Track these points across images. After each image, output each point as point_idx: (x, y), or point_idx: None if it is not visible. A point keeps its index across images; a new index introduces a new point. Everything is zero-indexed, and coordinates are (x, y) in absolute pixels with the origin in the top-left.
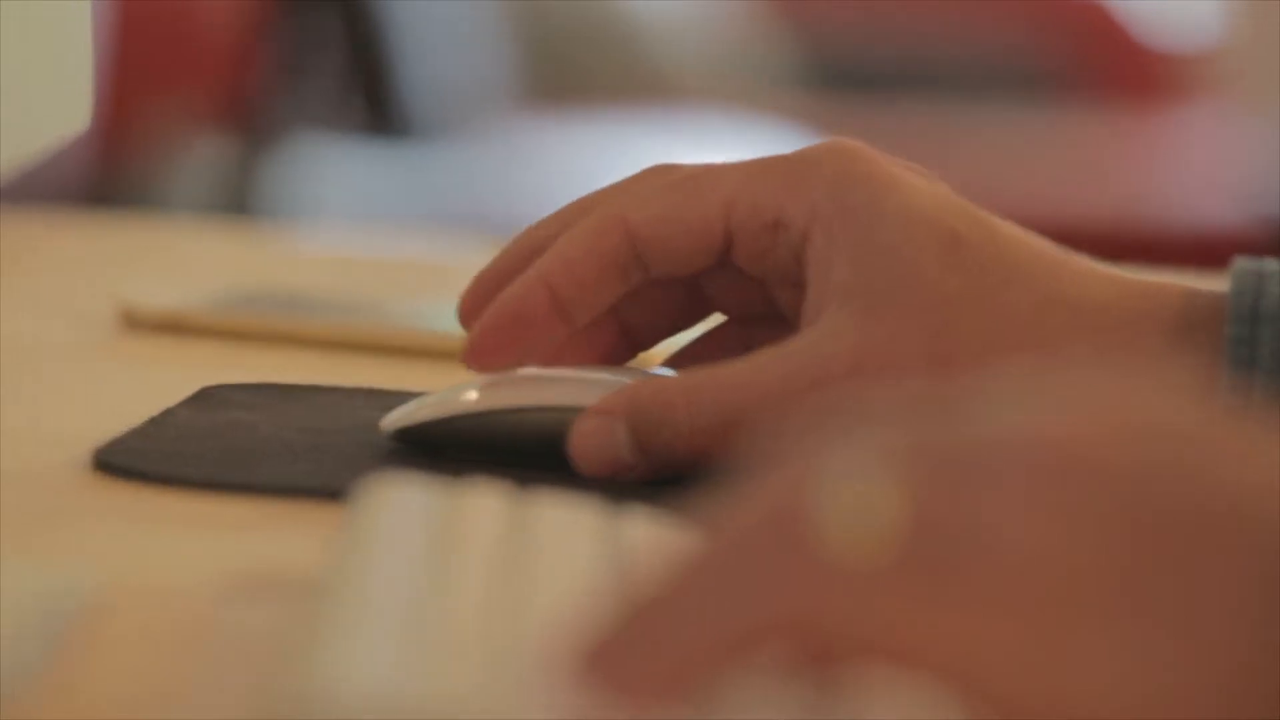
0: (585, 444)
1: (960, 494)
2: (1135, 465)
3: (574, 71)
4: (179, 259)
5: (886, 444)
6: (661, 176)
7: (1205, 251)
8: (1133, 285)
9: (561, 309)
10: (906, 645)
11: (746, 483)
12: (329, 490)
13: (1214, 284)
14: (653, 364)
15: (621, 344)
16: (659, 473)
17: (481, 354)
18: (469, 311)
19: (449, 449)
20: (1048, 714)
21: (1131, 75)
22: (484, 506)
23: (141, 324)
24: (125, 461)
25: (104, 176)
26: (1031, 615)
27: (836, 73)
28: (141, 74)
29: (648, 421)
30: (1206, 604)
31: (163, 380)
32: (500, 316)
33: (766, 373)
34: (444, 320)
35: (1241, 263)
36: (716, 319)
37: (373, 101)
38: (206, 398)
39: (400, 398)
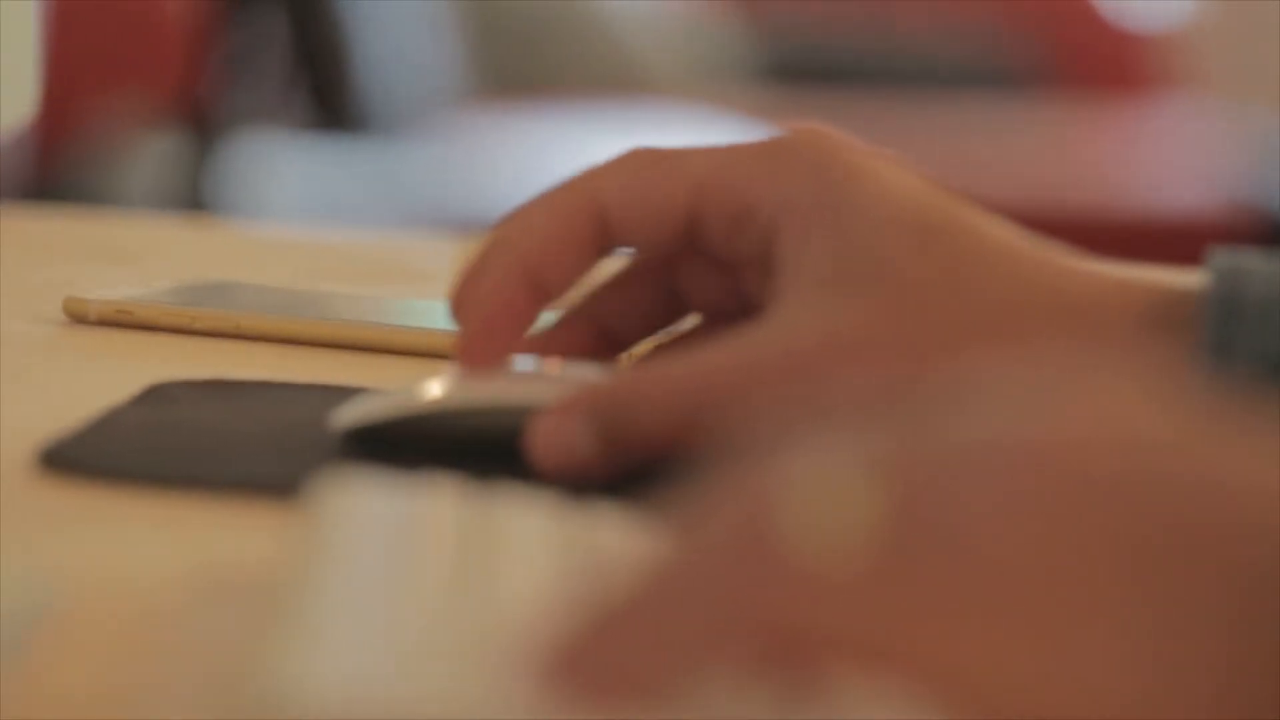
0: (544, 443)
1: (937, 499)
2: (1115, 473)
3: (531, 64)
4: (125, 251)
5: (861, 446)
6: (637, 156)
7: (1182, 239)
8: (1107, 278)
9: (539, 289)
10: (884, 651)
11: (715, 484)
12: (284, 487)
13: (1190, 276)
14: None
15: (599, 345)
16: (623, 470)
17: (474, 353)
18: (461, 303)
19: (405, 447)
20: (1026, 717)
21: (1105, 63)
22: (445, 503)
23: (88, 318)
24: (71, 460)
25: (46, 173)
26: (1006, 621)
27: (801, 66)
28: (87, 68)
29: (610, 417)
30: (1185, 609)
31: (109, 376)
32: (486, 311)
33: (732, 360)
34: (399, 315)
35: (1218, 256)
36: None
37: (325, 96)
38: (155, 394)
39: (353, 394)
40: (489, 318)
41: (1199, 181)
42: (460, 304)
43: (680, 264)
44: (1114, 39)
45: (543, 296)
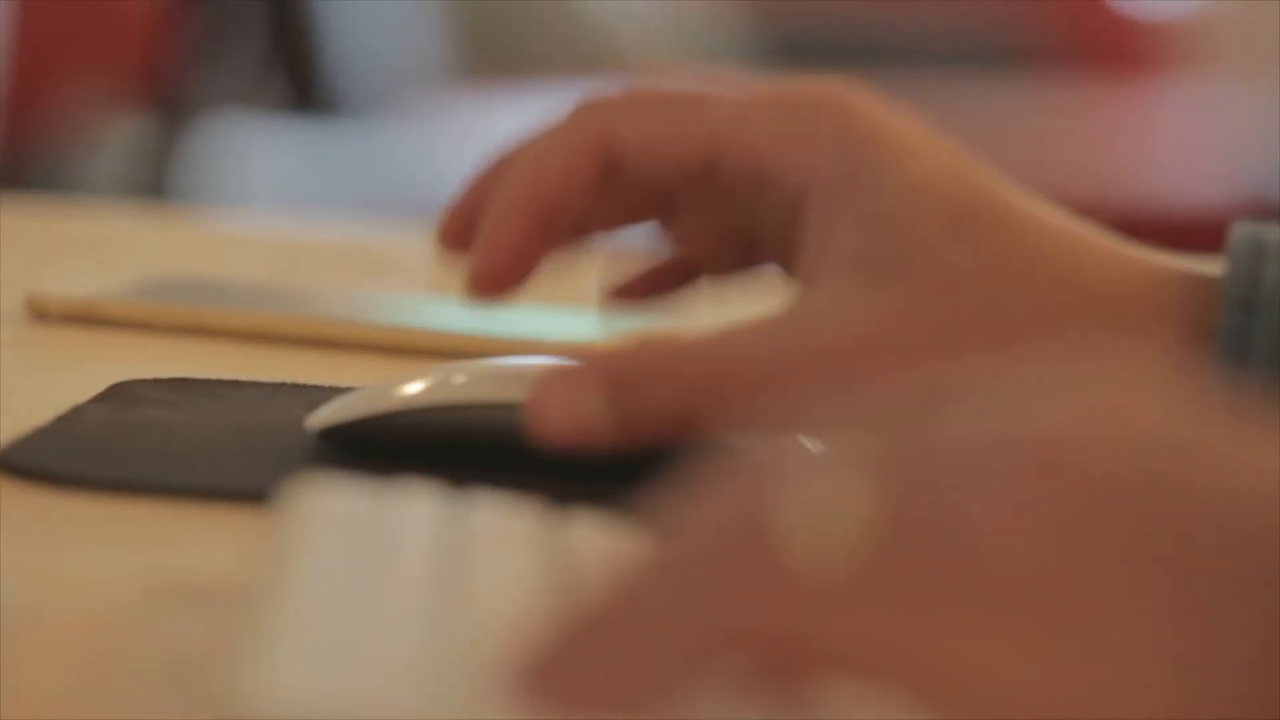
0: (552, 409)
1: (937, 498)
2: (1122, 473)
3: (510, 43)
4: (90, 245)
5: (860, 445)
6: (653, 97)
7: (1189, 228)
8: (1138, 265)
9: (551, 226)
10: (879, 658)
11: (707, 481)
12: (253, 493)
13: (1211, 261)
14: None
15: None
16: (629, 444)
17: (488, 283)
18: (453, 235)
19: (380, 449)
20: None
21: (1110, 45)
22: (419, 509)
23: (50, 315)
24: (32, 462)
25: (10, 158)
26: (1012, 625)
27: (794, 44)
28: (52, 51)
29: (625, 385)
30: (1192, 613)
31: (73, 375)
32: (499, 239)
33: (768, 342)
34: (374, 311)
35: (1240, 234)
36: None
37: (297, 77)
38: (119, 394)
39: (327, 393)
40: (503, 251)
41: (1207, 171)
42: (454, 229)
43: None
44: (1123, 22)
45: (555, 235)
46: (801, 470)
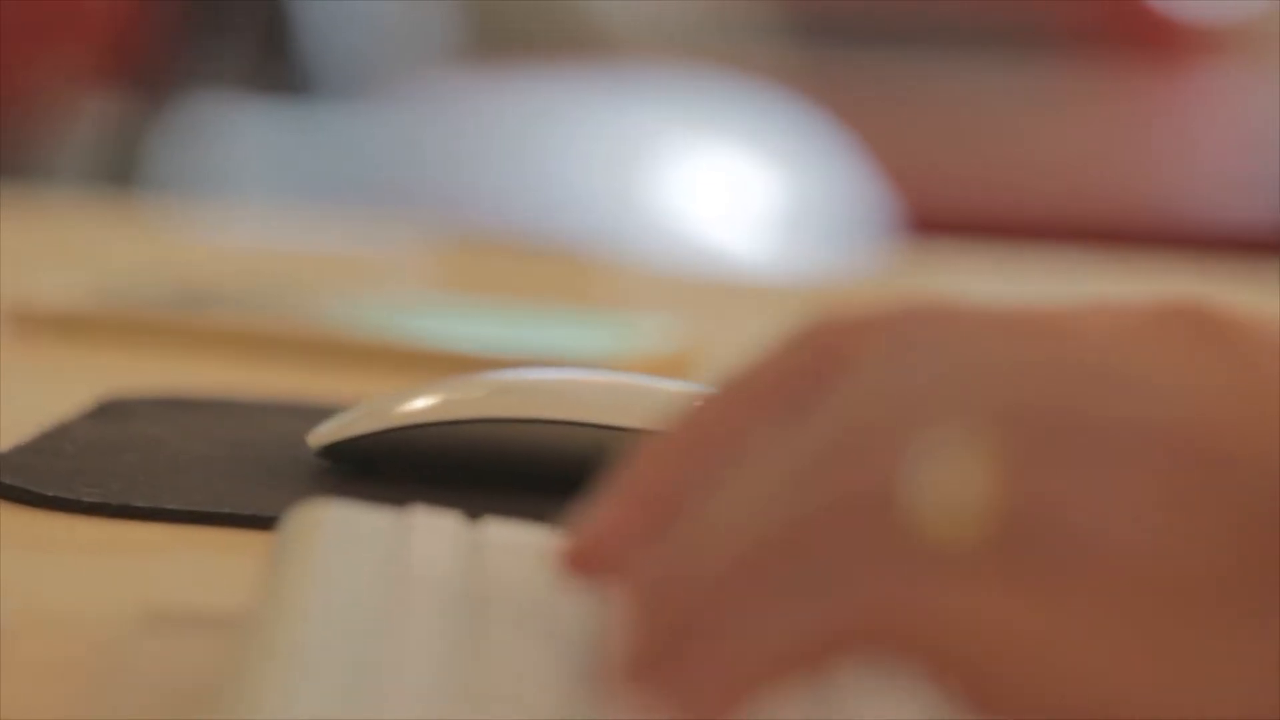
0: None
1: (1067, 479)
2: (1263, 463)
3: (511, 22)
4: (72, 247)
5: (985, 407)
6: None
7: (1216, 233)
8: None
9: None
10: (1000, 644)
11: (826, 453)
12: (251, 516)
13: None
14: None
15: None
16: None
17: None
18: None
19: (385, 467)
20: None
21: (1143, 36)
22: (433, 535)
23: (34, 323)
24: (17, 481)
25: None
26: (1135, 620)
27: (811, 26)
28: (17, 26)
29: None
30: None
31: (58, 387)
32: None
33: None
34: (373, 317)
35: None
36: None
37: (282, 57)
38: (108, 409)
39: (326, 409)
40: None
41: (1239, 174)
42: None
43: None
44: (1156, 14)
45: None
46: (928, 444)
